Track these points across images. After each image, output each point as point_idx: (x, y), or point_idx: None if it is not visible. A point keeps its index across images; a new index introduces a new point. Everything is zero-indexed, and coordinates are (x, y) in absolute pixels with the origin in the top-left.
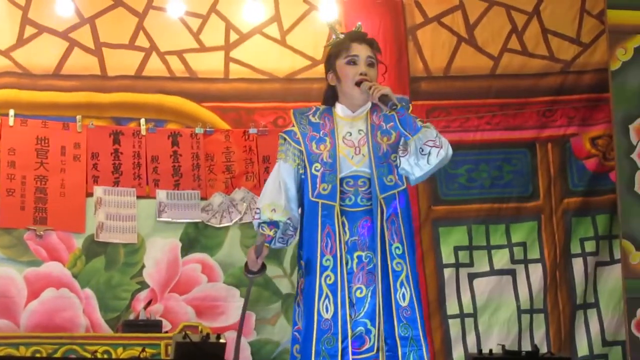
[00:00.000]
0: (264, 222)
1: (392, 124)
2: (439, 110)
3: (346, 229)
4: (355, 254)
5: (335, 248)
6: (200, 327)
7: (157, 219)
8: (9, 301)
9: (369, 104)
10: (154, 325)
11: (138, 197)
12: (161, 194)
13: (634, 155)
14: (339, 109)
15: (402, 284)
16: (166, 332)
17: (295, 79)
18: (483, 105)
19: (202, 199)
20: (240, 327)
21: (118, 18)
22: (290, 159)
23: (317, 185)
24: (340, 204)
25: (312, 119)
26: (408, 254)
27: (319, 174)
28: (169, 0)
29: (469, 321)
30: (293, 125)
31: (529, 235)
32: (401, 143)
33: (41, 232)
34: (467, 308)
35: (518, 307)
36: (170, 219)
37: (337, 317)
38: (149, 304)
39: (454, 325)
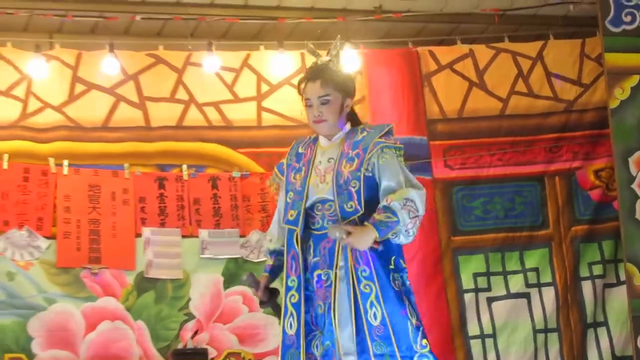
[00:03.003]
0: (266, 253)
1: (357, 150)
2: (454, 149)
3: (311, 250)
4: (315, 273)
5: (299, 269)
6: (242, 354)
7: (201, 255)
8: (68, 334)
9: (342, 133)
10: (200, 353)
11: (183, 236)
12: (203, 233)
13: (634, 186)
14: (321, 138)
15: (372, 304)
16: (212, 359)
17: None
18: (494, 144)
19: (241, 236)
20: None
21: (159, 74)
22: (281, 189)
23: (287, 212)
24: (310, 228)
25: (300, 150)
26: (377, 275)
27: (290, 201)
28: (205, 56)
29: (489, 341)
30: (285, 157)
31: (541, 261)
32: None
33: (96, 270)
34: (487, 329)
35: (533, 327)
36: (212, 256)
37: (300, 333)
38: (195, 333)
39: (476, 345)
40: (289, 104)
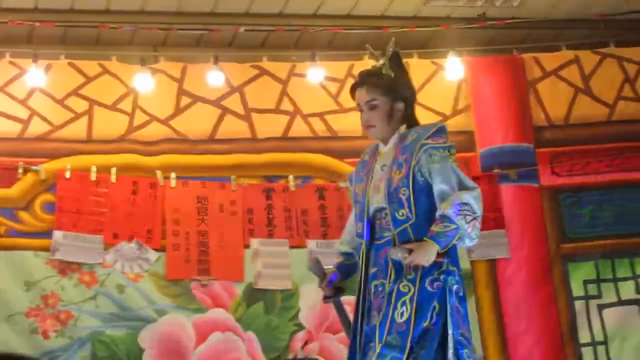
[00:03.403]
0: (337, 253)
1: (405, 155)
2: (562, 156)
3: (371, 261)
4: (373, 284)
5: (361, 281)
6: None
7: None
8: (179, 345)
9: (396, 135)
10: None
11: (291, 247)
12: (311, 243)
13: None
14: (380, 144)
15: (403, 303)
16: None
17: None
18: (602, 150)
19: None
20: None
21: (264, 85)
22: (352, 199)
23: (356, 224)
24: (374, 239)
25: (365, 158)
26: (420, 279)
27: (357, 212)
28: (309, 67)
29: (600, 349)
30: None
31: None
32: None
33: (205, 282)
34: (598, 336)
35: None
36: None
37: (356, 343)
38: (305, 343)
39: (587, 353)
40: None
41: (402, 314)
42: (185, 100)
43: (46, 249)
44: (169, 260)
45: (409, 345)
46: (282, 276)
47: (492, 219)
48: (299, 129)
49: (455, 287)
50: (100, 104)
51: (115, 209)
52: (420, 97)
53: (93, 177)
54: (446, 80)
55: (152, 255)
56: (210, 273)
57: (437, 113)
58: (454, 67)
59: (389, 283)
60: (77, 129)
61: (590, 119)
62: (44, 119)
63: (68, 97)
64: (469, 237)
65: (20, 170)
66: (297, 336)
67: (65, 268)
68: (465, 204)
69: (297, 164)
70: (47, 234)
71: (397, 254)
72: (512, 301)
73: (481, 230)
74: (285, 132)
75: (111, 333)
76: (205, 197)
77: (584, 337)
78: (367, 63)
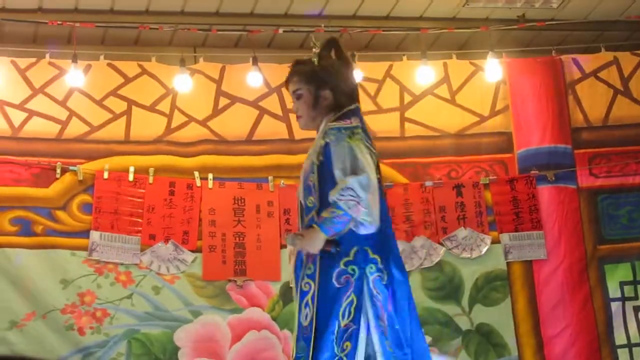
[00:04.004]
0: None
1: (315, 141)
2: (599, 157)
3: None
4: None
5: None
6: None
7: None
8: (215, 345)
9: (324, 123)
10: None
11: None
12: None
13: None
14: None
15: (306, 304)
16: None
17: (465, 135)
18: None
19: None
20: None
21: None
22: None
23: None
24: None
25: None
26: (320, 272)
27: None
28: None
29: (637, 350)
30: None
31: None
32: None
33: (241, 283)
34: (635, 338)
35: None
36: None
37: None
38: None
39: (623, 355)
40: (432, 114)
41: (306, 316)
42: (223, 101)
43: (83, 248)
44: (205, 262)
45: (311, 353)
46: None
47: (529, 220)
48: None
49: (374, 275)
50: (138, 105)
51: (152, 210)
52: (459, 98)
53: (130, 177)
54: (485, 81)
55: (189, 256)
56: (247, 274)
57: (475, 114)
58: (493, 68)
59: (300, 279)
60: (116, 130)
61: (629, 121)
62: (83, 119)
63: (107, 97)
64: (360, 222)
65: (58, 171)
66: None
67: (101, 267)
68: (349, 188)
69: None
70: (84, 233)
71: (289, 240)
72: (548, 302)
73: (519, 231)
74: None
75: (147, 331)
76: (242, 198)
77: (619, 338)
78: (407, 64)
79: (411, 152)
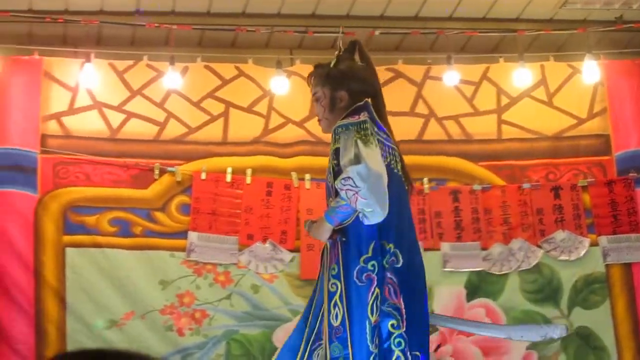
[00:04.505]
0: None
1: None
2: None
3: None
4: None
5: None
6: None
7: (443, 269)
8: None
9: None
10: None
11: (425, 249)
12: (445, 246)
13: None
14: None
15: (335, 304)
16: None
17: (563, 137)
18: None
19: (483, 249)
20: None
21: (399, 88)
22: None
23: None
24: None
25: None
26: (344, 272)
27: None
28: (445, 70)
29: None
30: None
31: None
32: None
33: None
34: None
35: None
36: (454, 269)
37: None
38: (438, 347)
39: None
40: (529, 117)
41: (336, 316)
42: None
43: (181, 249)
44: (303, 261)
45: (350, 352)
46: None
47: (627, 223)
48: (434, 131)
49: (390, 260)
50: (236, 106)
51: (250, 210)
52: (556, 101)
53: (228, 178)
54: (582, 83)
55: (286, 255)
56: None
57: (573, 116)
58: (591, 70)
59: (327, 281)
60: (213, 131)
61: None
62: (180, 121)
63: (204, 99)
64: (363, 212)
65: (156, 172)
66: (431, 338)
67: (200, 268)
68: (348, 178)
69: (432, 167)
70: (182, 234)
71: (306, 227)
72: None
73: (617, 234)
74: (420, 135)
75: (245, 332)
76: None
77: None
78: (503, 66)
79: (508, 154)
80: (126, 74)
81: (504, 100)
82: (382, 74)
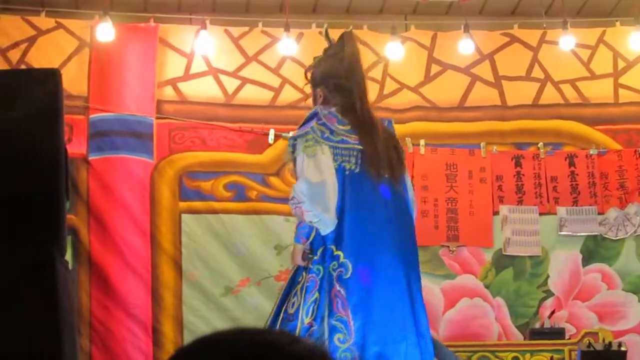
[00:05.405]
0: None
1: None
2: None
3: None
4: None
5: None
6: (600, 333)
7: (559, 233)
8: (429, 310)
9: None
10: (557, 333)
11: (540, 214)
12: (561, 211)
13: None
14: None
15: (295, 294)
16: (568, 338)
17: None
18: None
19: (599, 213)
20: None
21: (514, 53)
22: None
23: None
24: None
25: None
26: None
27: None
28: (560, 34)
29: None
30: None
31: None
32: None
33: (454, 249)
34: None
35: None
36: (570, 233)
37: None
38: (552, 313)
39: None
40: None
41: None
42: (435, 69)
43: None
44: (417, 227)
45: None
46: (531, 243)
47: None
48: (550, 95)
49: (337, 271)
50: None
51: None
52: None
53: None
54: None
55: None
56: (459, 239)
57: None
58: None
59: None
60: None
61: None
62: (295, 87)
63: None
64: (315, 224)
65: (271, 137)
66: (546, 303)
67: None
68: (293, 197)
69: (548, 131)
70: None
71: None
72: None
73: None
74: (536, 99)
75: None
76: (455, 164)
77: None
78: (620, 30)
79: (625, 119)
80: (241, 40)
81: (621, 64)
82: (497, 39)
